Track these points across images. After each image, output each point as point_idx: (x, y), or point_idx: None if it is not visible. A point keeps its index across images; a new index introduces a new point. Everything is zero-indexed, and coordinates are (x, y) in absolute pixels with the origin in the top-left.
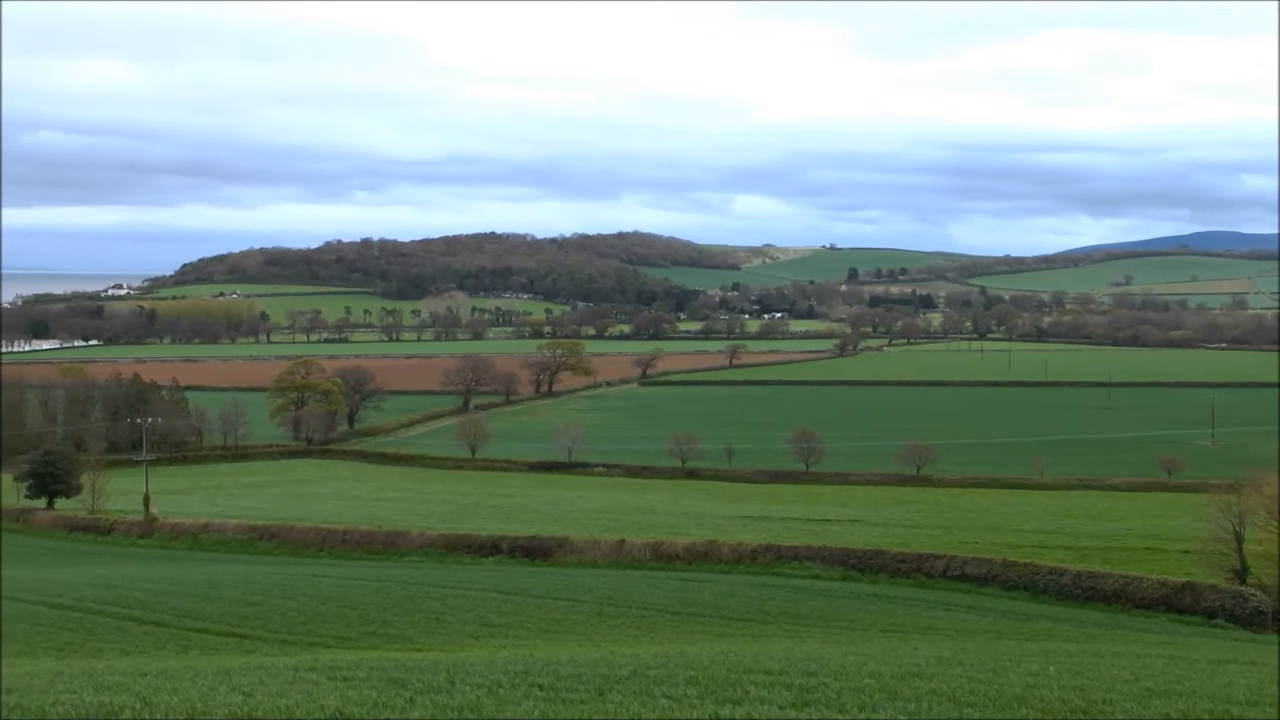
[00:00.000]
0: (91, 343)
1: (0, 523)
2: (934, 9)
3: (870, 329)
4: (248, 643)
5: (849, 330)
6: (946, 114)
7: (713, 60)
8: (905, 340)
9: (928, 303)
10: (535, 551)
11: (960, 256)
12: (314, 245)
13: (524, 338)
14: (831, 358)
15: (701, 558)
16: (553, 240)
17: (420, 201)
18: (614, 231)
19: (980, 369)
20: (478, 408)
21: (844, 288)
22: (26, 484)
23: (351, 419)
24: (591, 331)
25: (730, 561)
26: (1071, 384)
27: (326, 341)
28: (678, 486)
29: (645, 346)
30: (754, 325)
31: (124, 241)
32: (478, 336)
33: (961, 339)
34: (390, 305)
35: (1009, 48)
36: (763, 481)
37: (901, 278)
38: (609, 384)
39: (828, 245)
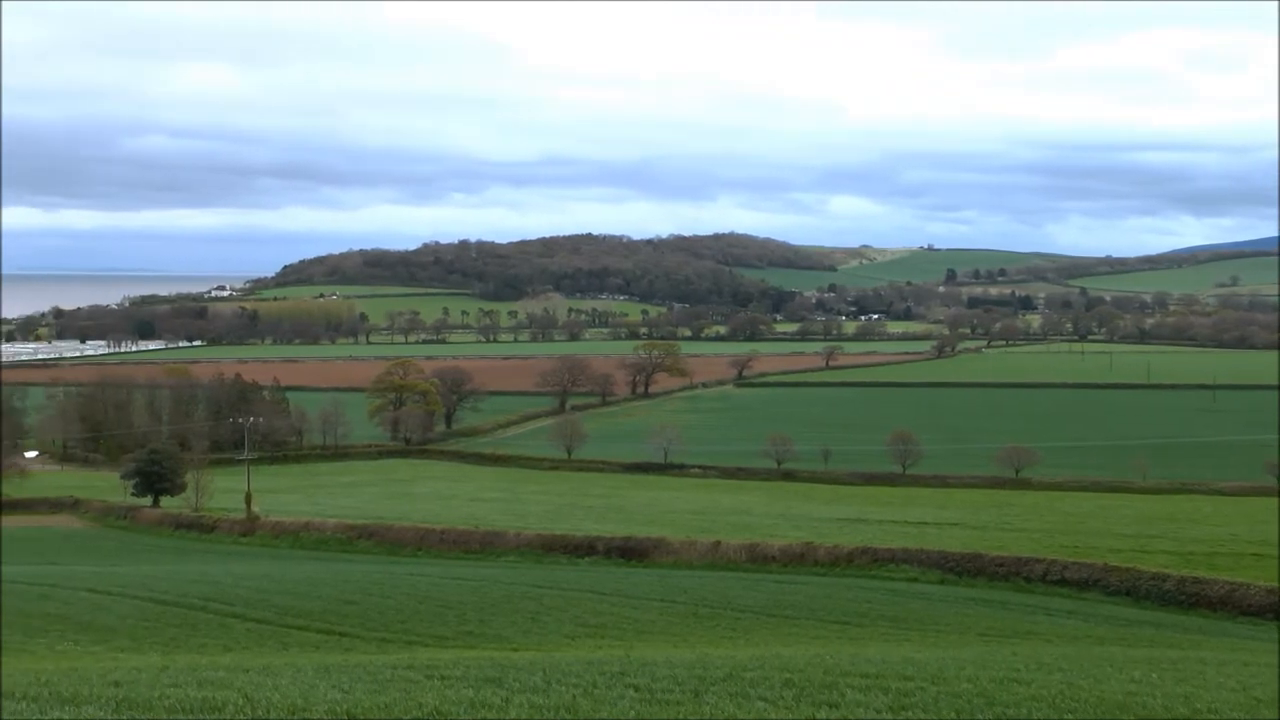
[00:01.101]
0: (195, 343)
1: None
2: (1025, 9)
3: (968, 330)
4: (347, 640)
5: (947, 331)
6: (1041, 113)
7: (806, 60)
8: (1004, 342)
9: (1027, 304)
10: (631, 552)
11: (1060, 257)
12: (412, 247)
13: (620, 339)
14: (929, 359)
15: (797, 559)
16: (649, 241)
17: (515, 203)
18: (710, 233)
19: (1081, 371)
20: (574, 408)
21: (942, 289)
22: (133, 482)
23: (449, 419)
24: (687, 332)
25: (826, 563)
26: (1175, 386)
27: (424, 342)
28: (773, 488)
29: (741, 347)
30: (851, 326)
31: (227, 243)
32: (574, 337)
33: (1062, 340)
34: (487, 306)
35: (1101, 46)
36: (859, 483)
37: (1000, 279)
38: (705, 385)
39: (925, 246)
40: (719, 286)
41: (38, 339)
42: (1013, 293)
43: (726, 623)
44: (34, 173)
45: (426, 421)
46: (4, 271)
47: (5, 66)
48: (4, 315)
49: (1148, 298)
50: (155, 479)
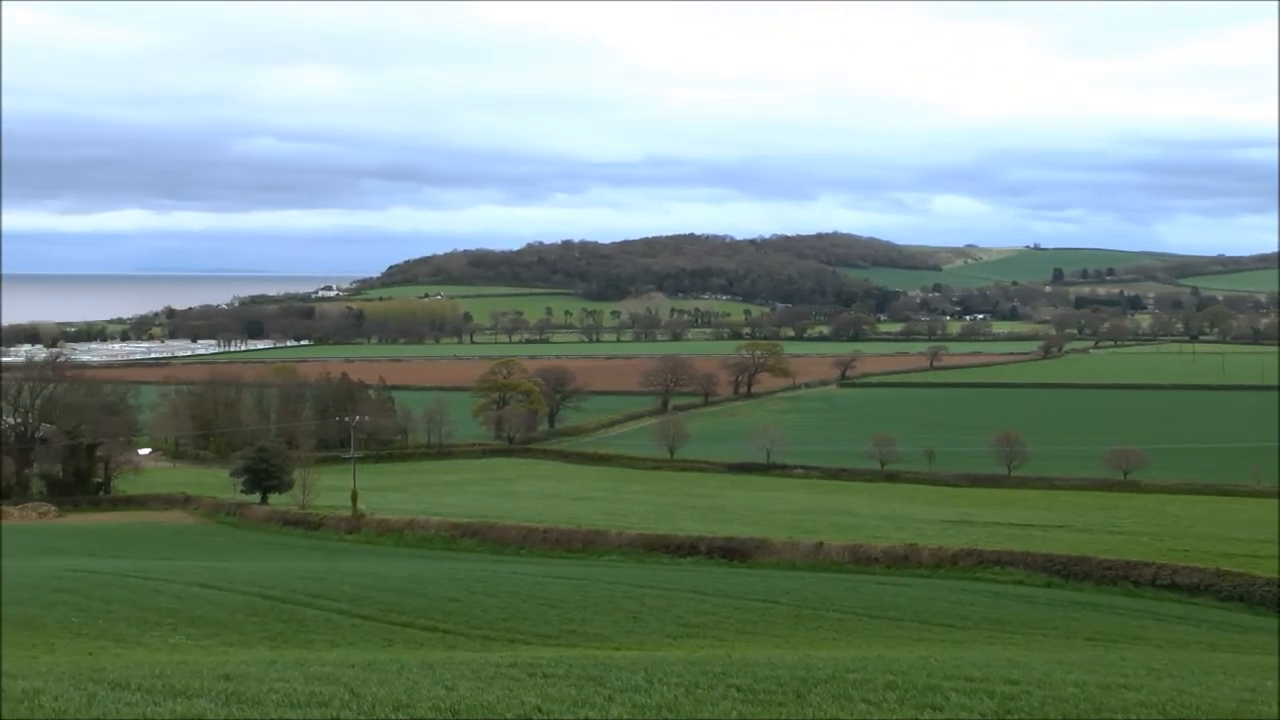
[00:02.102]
0: (303, 342)
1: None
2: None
3: (1076, 331)
4: (450, 638)
5: (1053, 332)
6: (1147, 110)
7: (908, 59)
8: (1112, 342)
9: (1136, 304)
10: (733, 553)
11: (1170, 256)
12: (516, 247)
13: (723, 339)
14: (1035, 360)
15: (901, 561)
16: (751, 241)
17: (618, 203)
18: (813, 232)
19: (1192, 372)
20: (676, 408)
21: (1048, 288)
22: (242, 479)
23: (552, 419)
24: (790, 333)
25: (930, 565)
26: None
27: (528, 342)
28: (877, 489)
29: (845, 348)
30: (955, 326)
31: (334, 244)
32: (677, 337)
33: (1172, 341)
34: (590, 306)
35: (1210, 43)
36: (964, 485)
37: (1108, 278)
38: (808, 385)
39: (1031, 245)
40: (822, 286)
41: (151, 338)
42: (1121, 292)
43: (829, 624)
44: (148, 175)
45: (530, 421)
46: (119, 272)
47: (120, 73)
48: (115, 315)
49: (1262, 297)
50: (263, 476)
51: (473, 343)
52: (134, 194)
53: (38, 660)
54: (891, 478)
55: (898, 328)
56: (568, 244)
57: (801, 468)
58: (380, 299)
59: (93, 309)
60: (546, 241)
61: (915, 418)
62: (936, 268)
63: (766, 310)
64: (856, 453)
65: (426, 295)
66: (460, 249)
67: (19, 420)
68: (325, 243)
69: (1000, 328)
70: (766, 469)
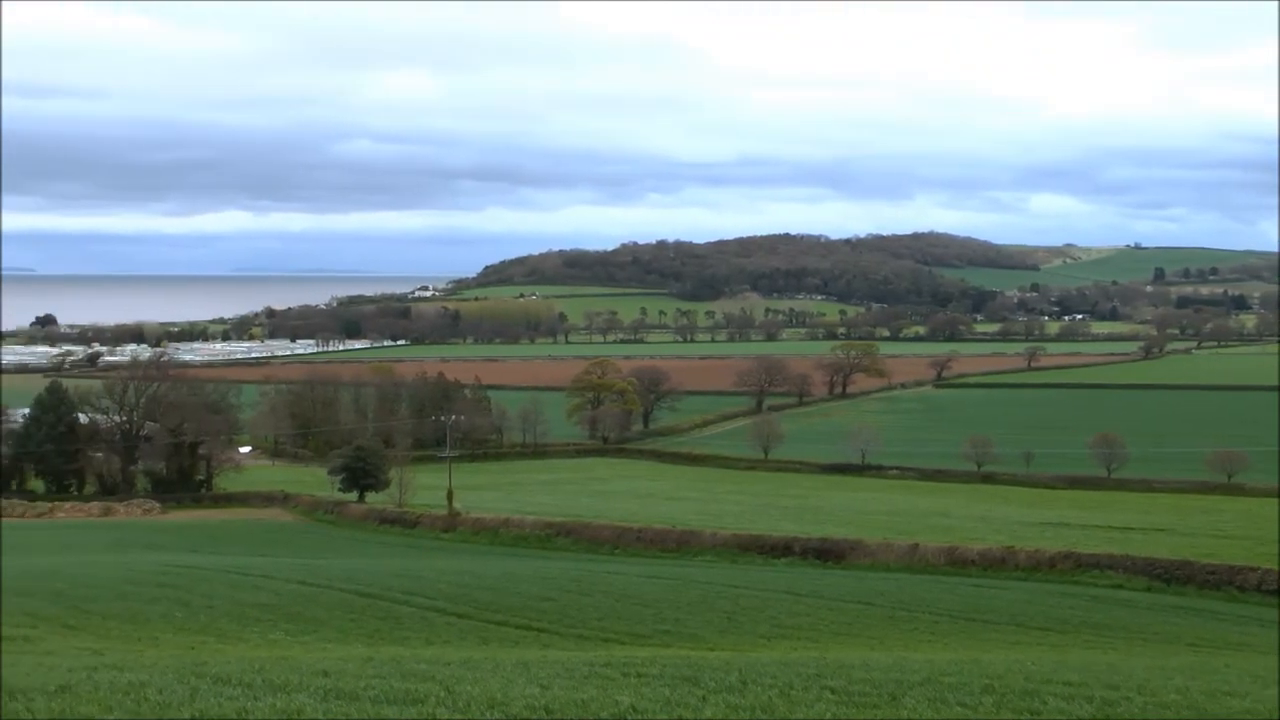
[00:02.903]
0: (399, 342)
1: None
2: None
3: (1178, 331)
4: (545, 637)
5: (1154, 332)
6: (1249, 106)
7: (1004, 57)
8: (1216, 343)
9: (1241, 304)
10: (827, 553)
11: (1276, 255)
12: (610, 247)
13: (817, 339)
14: (1135, 361)
15: (997, 563)
16: (846, 241)
17: (711, 203)
18: (909, 232)
19: None
20: (771, 408)
21: (1149, 288)
22: (339, 478)
23: (646, 418)
24: (885, 333)
25: (1027, 568)
26: None
27: (622, 342)
28: (973, 490)
29: (941, 348)
30: (1054, 327)
31: (429, 244)
32: (771, 337)
33: (1278, 341)
34: (685, 306)
35: None
36: (1062, 487)
37: (1211, 278)
38: (903, 386)
39: (1132, 244)
40: (918, 286)
41: (251, 338)
42: (1225, 292)
43: (924, 626)
44: (248, 178)
45: (624, 420)
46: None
47: (221, 77)
48: (217, 315)
49: None
50: (361, 475)
51: (567, 342)
52: (234, 196)
53: (142, 654)
54: (988, 479)
55: (995, 328)
56: (662, 244)
57: (896, 469)
58: (476, 299)
59: (195, 309)
60: (641, 241)
61: (1012, 418)
62: (1034, 267)
63: (862, 310)
64: (952, 454)
65: (522, 295)
66: (555, 249)
67: (124, 418)
68: (421, 243)
69: (1100, 328)
70: (861, 470)
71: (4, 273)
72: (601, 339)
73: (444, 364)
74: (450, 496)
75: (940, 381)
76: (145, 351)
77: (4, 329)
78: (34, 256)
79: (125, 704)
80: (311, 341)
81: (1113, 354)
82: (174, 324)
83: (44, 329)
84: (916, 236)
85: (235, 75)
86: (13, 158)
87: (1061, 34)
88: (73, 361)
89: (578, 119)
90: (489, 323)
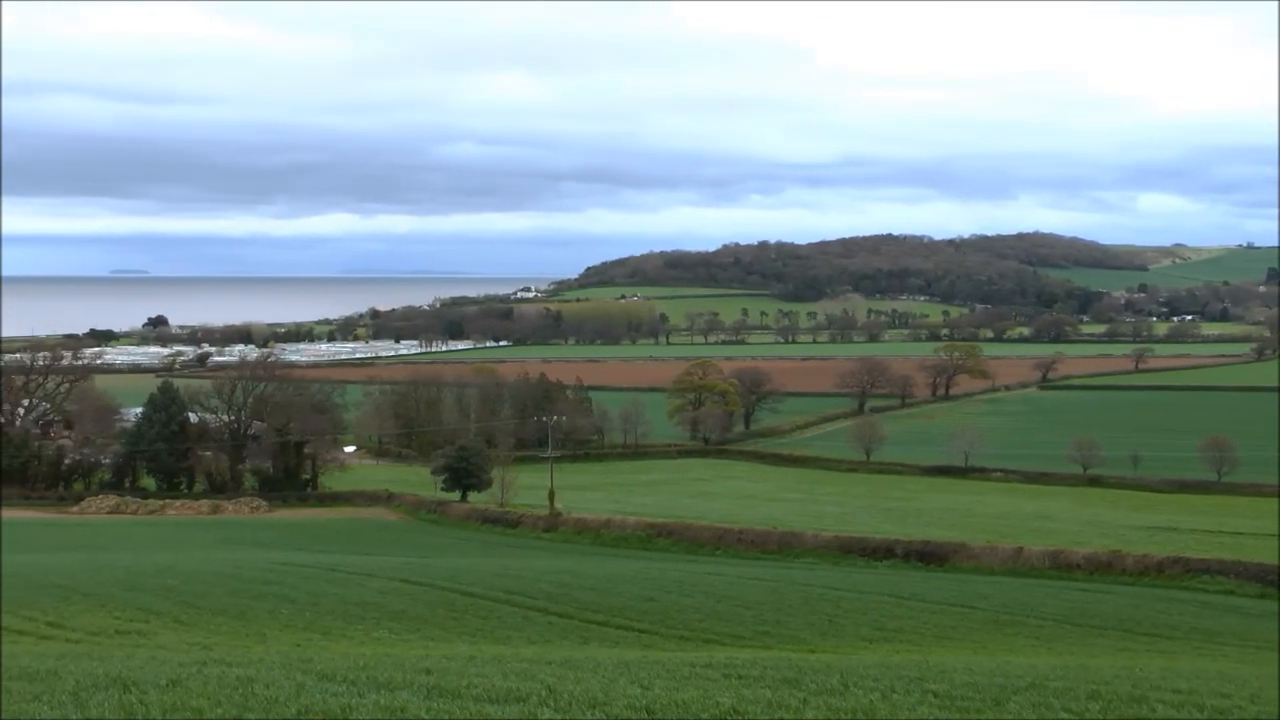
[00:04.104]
0: (502, 343)
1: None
2: None
3: None
4: (646, 637)
5: (1268, 333)
6: None
7: (1109, 55)
8: None
9: None
10: (930, 556)
11: None
12: (711, 248)
13: (920, 340)
14: (1247, 362)
15: (1104, 568)
16: (950, 241)
17: (813, 204)
18: (1013, 232)
19: None
20: (873, 410)
21: (1262, 288)
22: (443, 477)
23: (747, 419)
24: (989, 334)
25: (1134, 573)
26: None
27: (724, 343)
28: (1079, 494)
29: (1046, 349)
30: (1162, 328)
31: (532, 245)
32: (873, 338)
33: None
34: (786, 307)
35: None
36: (1170, 491)
37: None
38: (1007, 388)
39: (1244, 244)
40: (1022, 287)
41: (356, 338)
42: None
43: (1028, 631)
44: (354, 180)
45: (725, 421)
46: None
47: (329, 82)
48: (323, 316)
49: None
50: (463, 475)
51: (669, 343)
52: (341, 198)
53: (250, 650)
54: (1094, 482)
55: (1101, 329)
56: (764, 245)
57: (1000, 471)
58: (577, 300)
59: (302, 310)
60: (743, 242)
61: (1119, 421)
62: (1142, 268)
63: (965, 311)
64: (1057, 456)
65: (623, 296)
66: (656, 250)
67: (233, 418)
68: (523, 244)
69: (1210, 329)
70: (964, 472)
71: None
72: (703, 340)
73: (546, 365)
74: (552, 497)
75: (1045, 383)
76: (253, 352)
77: (116, 330)
78: (147, 258)
79: (234, 698)
80: (415, 342)
81: (1224, 356)
82: (281, 325)
83: (155, 330)
84: (1021, 237)
85: (342, 80)
86: (128, 163)
87: (1160, 32)
88: (183, 362)
89: (680, 120)
90: (591, 324)
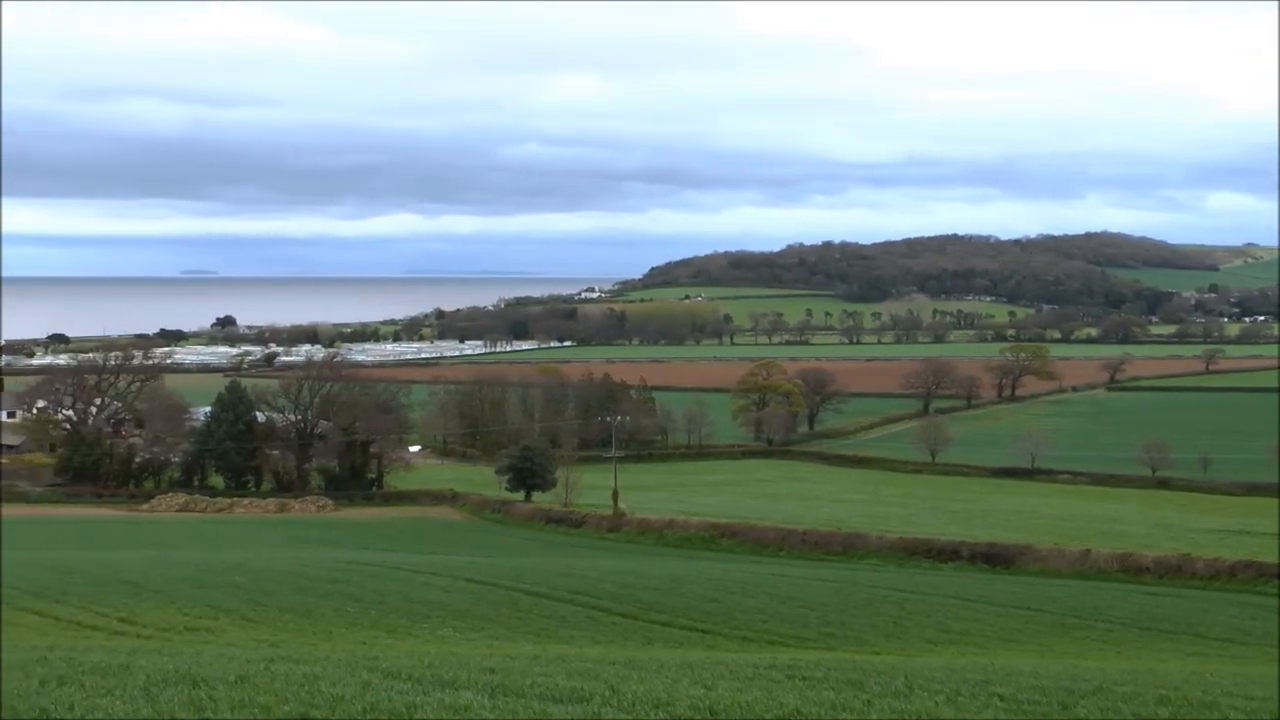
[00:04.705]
0: (566, 343)
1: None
2: None
3: None
4: (709, 638)
5: None
6: None
7: (1178, 52)
8: None
9: None
10: (995, 558)
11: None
12: (775, 248)
13: (986, 341)
14: None
15: (1173, 571)
16: (1016, 241)
17: (877, 204)
18: (1080, 232)
19: None
20: (938, 411)
21: None
22: (507, 477)
23: (811, 420)
24: (1056, 335)
25: (1205, 577)
26: None
27: (788, 343)
28: (1147, 496)
29: (1113, 350)
30: (1233, 329)
31: (596, 246)
32: (939, 339)
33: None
34: (851, 307)
35: None
36: (1241, 494)
37: None
38: (1074, 388)
39: None
40: (1090, 287)
41: (421, 338)
42: None
43: (1096, 634)
44: (419, 181)
45: (789, 422)
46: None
47: (394, 83)
48: (388, 317)
49: None
50: (527, 474)
51: (733, 344)
52: (406, 199)
53: (316, 648)
54: (1163, 484)
55: (1171, 330)
56: (828, 245)
57: (1067, 473)
58: (641, 300)
59: (367, 310)
60: (807, 243)
61: (1189, 423)
62: (1213, 268)
63: (1032, 312)
64: (1126, 458)
65: (687, 296)
66: (720, 250)
67: (299, 417)
68: (588, 245)
69: None
70: (1030, 474)
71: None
72: (767, 340)
73: (610, 365)
74: (615, 497)
75: (1113, 384)
76: (319, 352)
77: (185, 330)
78: (216, 259)
79: (300, 695)
80: (480, 342)
81: None
82: (347, 325)
83: (224, 330)
84: (1089, 236)
85: (407, 81)
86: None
87: (1230, 28)
88: (251, 362)
89: (744, 121)
90: (654, 324)
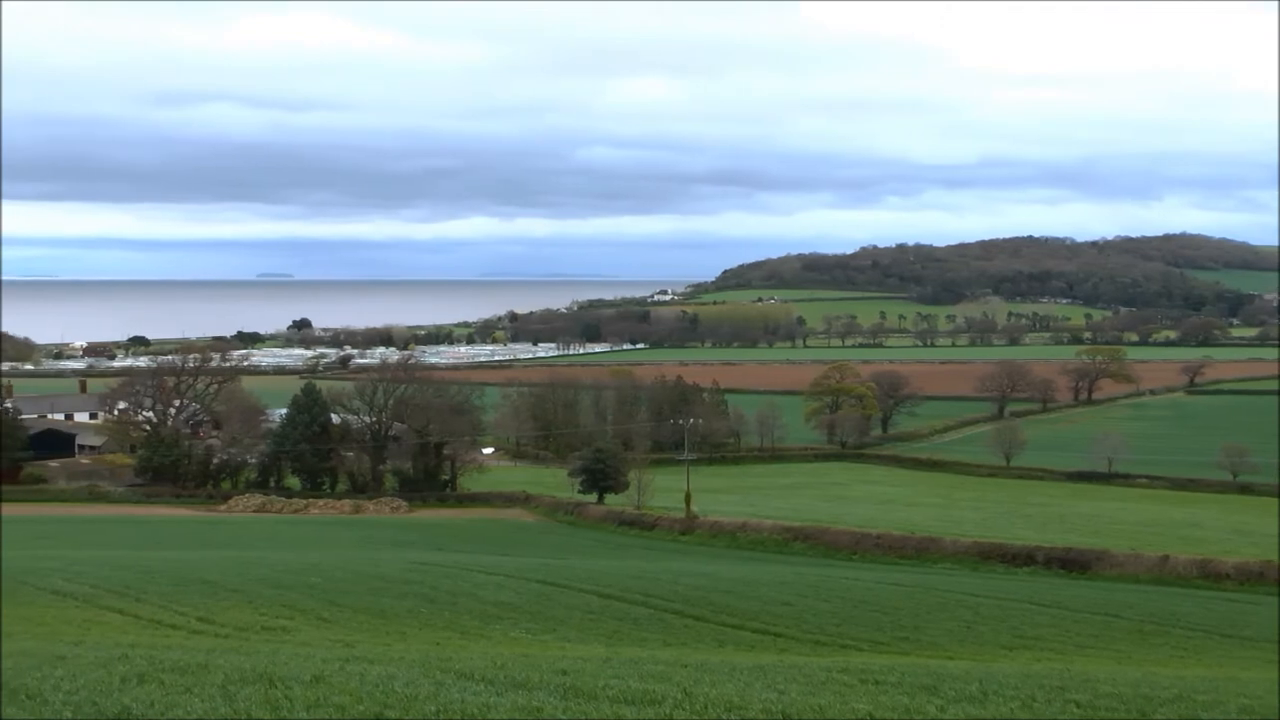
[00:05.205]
0: (638, 346)
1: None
2: None
3: None
4: (781, 641)
5: None
6: None
7: (1250, 52)
8: None
9: None
10: (1071, 563)
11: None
12: (848, 250)
13: (1062, 343)
14: None
15: (1255, 578)
16: (1093, 243)
17: (951, 206)
18: (1158, 233)
19: None
20: (1013, 414)
21: None
22: (579, 479)
23: (885, 423)
24: (1134, 337)
25: None
26: None
27: (861, 346)
28: (1228, 501)
29: (1193, 353)
30: None
31: (668, 248)
32: (1014, 342)
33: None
34: (925, 310)
35: None
36: None
37: None
38: (1152, 392)
39: None
40: (1168, 289)
41: (495, 341)
42: None
43: (1175, 641)
44: (494, 184)
45: (862, 425)
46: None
47: (469, 87)
48: (461, 319)
49: None
50: (600, 476)
51: (805, 346)
52: (480, 202)
53: (390, 648)
54: (1244, 490)
55: (1252, 332)
56: (902, 247)
57: (1145, 477)
58: (714, 303)
59: (441, 313)
60: (880, 245)
61: (1271, 427)
62: None
63: (1109, 314)
64: (1205, 463)
65: (760, 299)
66: (793, 253)
67: (374, 419)
68: (660, 247)
69: None
70: (1107, 478)
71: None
72: (840, 343)
73: (682, 367)
74: (688, 499)
75: (1193, 388)
76: (394, 354)
77: (262, 332)
78: (292, 262)
79: (375, 695)
80: (553, 344)
81: None
82: (421, 327)
83: (299, 332)
84: (1167, 238)
85: (480, 85)
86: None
87: None
88: (326, 364)
89: (817, 122)
90: (727, 326)
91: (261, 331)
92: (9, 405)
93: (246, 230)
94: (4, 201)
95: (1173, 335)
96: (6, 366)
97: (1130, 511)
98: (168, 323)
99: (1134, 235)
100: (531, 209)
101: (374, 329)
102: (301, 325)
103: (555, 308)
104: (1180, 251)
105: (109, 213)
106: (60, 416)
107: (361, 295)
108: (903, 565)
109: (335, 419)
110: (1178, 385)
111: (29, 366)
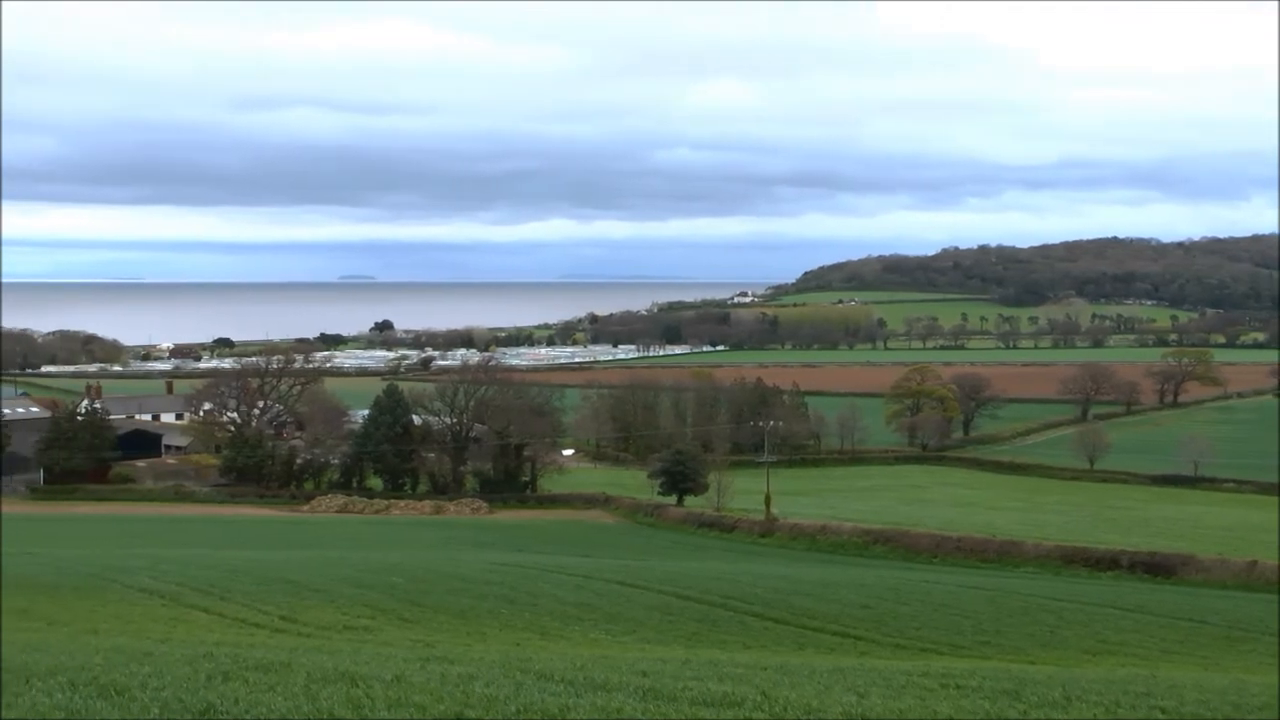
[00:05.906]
0: (718, 347)
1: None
2: None
3: None
4: (861, 644)
5: None
6: None
7: None
8: None
9: None
10: (1156, 568)
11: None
12: (929, 252)
13: (1147, 345)
14: None
15: None
16: (1179, 244)
17: (1032, 207)
18: (1247, 234)
19: None
20: (1097, 417)
21: None
22: (659, 481)
23: (966, 426)
24: (1221, 339)
25: None
26: None
27: (942, 348)
28: None
29: None
30: None
31: (748, 250)
32: (1098, 344)
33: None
34: (1007, 311)
35: None
36: None
37: None
38: (1240, 395)
39: None
40: (1257, 291)
41: (575, 343)
42: None
43: (1264, 648)
44: (572, 187)
45: (944, 428)
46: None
47: (548, 90)
48: (542, 321)
49: None
50: (680, 478)
51: (886, 348)
52: (559, 205)
53: (471, 649)
54: None
55: None
56: (984, 248)
57: (1232, 481)
58: (794, 305)
59: (521, 315)
60: (962, 246)
61: None
62: None
63: (1195, 316)
64: None
65: (840, 301)
66: (874, 254)
67: (455, 420)
68: (740, 249)
69: None
70: (1194, 482)
71: (347, 280)
72: (921, 345)
73: (762, 369)
74: (768, 501)
75: None
76: (474, 356)
77: (344, 334)
78: (373, 264)
79: (455, 695)
80: (633, 346)
81: None
82: (501, 329)
83: (381, 334)
84: (1256, 239)
85: (559, 88)
86: (355, 172)
87: None
88: (407, 365)
89: (896, 123)
90: (807, 328)
91: (344, 333)
92: (98, 405)
93: (328, 233)
94: (101, 206)
95: (1261, 337)
96: (95, 368)
97: (1216, 516)
98: (252, 324)
99: (1221, 236)
100: (610, 211)
101: (455, 331)
102: (383, 327)
103: (635, 309)
104: (1269, 252)
105: (197, 216)
106: (147, 417)
107: (442, 297)
108: (984, 569)
109: (417, 420)
110: (1266, 388)
111: (118, 368)
